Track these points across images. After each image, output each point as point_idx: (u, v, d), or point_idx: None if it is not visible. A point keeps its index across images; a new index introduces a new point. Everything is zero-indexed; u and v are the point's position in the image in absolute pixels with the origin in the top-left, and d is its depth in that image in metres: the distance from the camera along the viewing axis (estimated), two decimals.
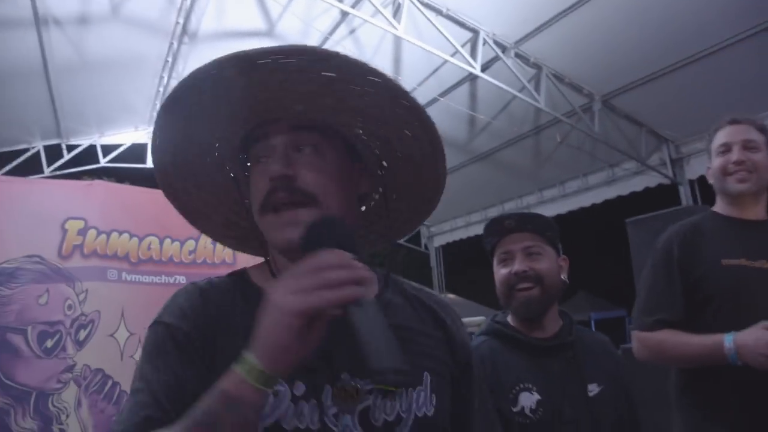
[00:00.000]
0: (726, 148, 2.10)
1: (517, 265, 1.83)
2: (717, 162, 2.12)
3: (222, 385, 0.79)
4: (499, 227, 1.91)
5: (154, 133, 1.02)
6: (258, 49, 0.89)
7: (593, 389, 1.77)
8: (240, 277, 1.09)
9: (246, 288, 1.05)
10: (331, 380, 0.95)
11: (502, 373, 1.76)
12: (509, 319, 1.94)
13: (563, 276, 1.92)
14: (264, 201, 0.97)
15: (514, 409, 1.71)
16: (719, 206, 2.19)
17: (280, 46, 0.89)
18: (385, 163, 1.09)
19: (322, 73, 0.91)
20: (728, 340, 1.77)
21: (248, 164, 1.05)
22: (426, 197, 1.15)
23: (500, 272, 1.88)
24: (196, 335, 0.95)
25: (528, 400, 1.72)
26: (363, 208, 1.18)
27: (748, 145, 2.07)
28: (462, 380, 1.12)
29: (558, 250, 1.94)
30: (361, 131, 1.04)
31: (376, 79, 0.92)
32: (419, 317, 1.11)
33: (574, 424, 1.70)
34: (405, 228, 1.25)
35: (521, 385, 1.74)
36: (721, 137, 2.14)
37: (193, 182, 1.11)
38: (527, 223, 1.88)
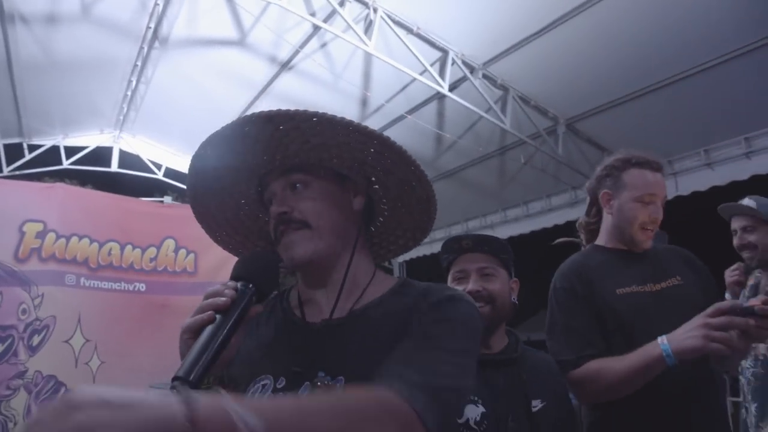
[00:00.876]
0: (651, 200, 2.08)
1: (471, 284, 1.90)
2: (635, 210, 2.08)
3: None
4: (456, 246, 1.99)
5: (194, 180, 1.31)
6: (235, 121, 1.16)
7: (536, 404, 1.80)
8: (288, 291, 1.36)
9: (281, 302, 1.32)
10: (309, 377, 1.11)
11: None
12: None
13: (513, 297, 1.97)
14: (274, 235, 1.22)
15: (459, 421, 1.73)
16: (607, 240, 2.20)
17: (246, 117, 1.14)
18: (374, 179, 1.29)
19: (281, 128, 1.17)
20: (662, 343, 1.73)
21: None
22: (420, 204, 1.33)
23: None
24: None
25: (473, 411, 1.75)
26: (381, 220, 1.39)
27: (663, 202, 2.12)
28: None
29: (510, 272, 1.99)
30: (337, 161, 1.24)
31: (315, 119, 1.14)
32: (404, 310, 1.18)
33: None
34: (406, 244, 1.46)
35: (470, 397, 1.76)
36: (648, 185, 2.09)
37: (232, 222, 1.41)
38: (483, 244, 1.95)
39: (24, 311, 3.55)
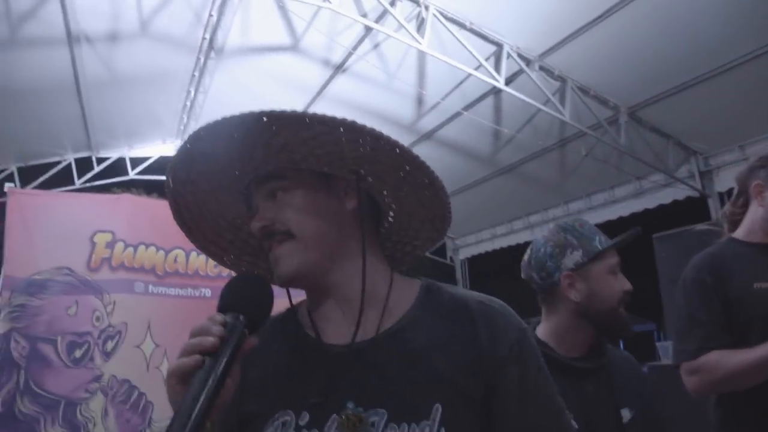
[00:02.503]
0: None
1: (629, 284, 1.72)
2: None
3: None
4: (629, 239, 1.81)
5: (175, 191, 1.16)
6: (188, 138, 1.06)
7: (626, 415, 1.66)
8: (296, 308, 1.17)
9: (290, 321, 1.14)
10: (336, 409, 0.97)
11: None
12: (538, 331, 1.79)
13: None
14: (265, 253, 1.10)
15: None
16: (748, 232, 2.12)
17: (215, 122, 1.01)
18: (363, 172, 1.09)
19: (244, 134, 1.01)
20: None
21: None
22: (424, 190, 1.12)
23: (614, 284, 1.72)
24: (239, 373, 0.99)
25: None
26: (391, 218, 1.19)
27: None
28: (501, 387, 1.02)
29: None
30: (311, 159, 1.06)
31: (274, 118, 0.99)
32: (449, 335, 1.04)
33: None
34: (430, 236, 1.26)
35: None
36: None
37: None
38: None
39: (98, 318, 3.69)
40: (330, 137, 1.01)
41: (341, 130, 1.00)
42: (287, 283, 1.08)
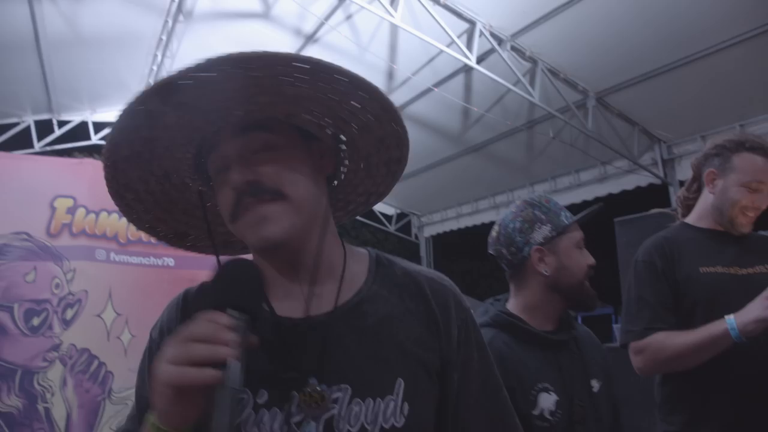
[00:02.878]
0: (758, 188, 2.05)
1: (592, 258, 1.78)
2: (739, 194, 2.05)
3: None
4: (595, 218, 1.86)
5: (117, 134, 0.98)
6: (181, 70, 0.88)
7: (595, 385, 1.72)
8: None
9: None
10: (297, 386, 0.94)
11: (521, 372, 1.63)
12: (508, 307, 1.81)
13: None
14: (233, 211, 0.96)
15: (534, 413, 1.59)
16: (699, 218, 2.19)
17: (201, 62, 0.87)
18: (343, 137, 1.07)
19: (251, 75, 0.90)
20: (727, 318, 1.80)
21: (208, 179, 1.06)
22: (394, 157, 1.12)
23: (580, 259, 1.76)
24: None
25: (547, 401, 1.61)
26: (335, 183, 1.15)
27: None
28: (454, 366, 1.05)
29: None
30: (309, 116, 1.01)
31: (304, 65, 0.91)
32: (406, 309, 1.04)
33: (583, 424, 1.62)
34: (381, 192, 1.22)
35: (539, 385, 1.63)
36: (758, 171, 2.05)
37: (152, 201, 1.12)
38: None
39: (57, 285, 3.61)
40: (344, 96, 0.97)
41: (361, 93, 0.96)
42: (269, 248, 0.98)
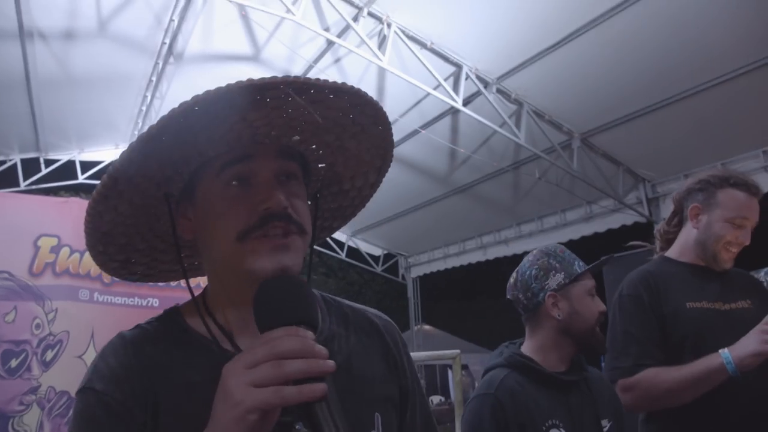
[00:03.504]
0: (742, 224, 2.06)
1: (603, 306, 1.87)
2: (724, 230, 2.06)
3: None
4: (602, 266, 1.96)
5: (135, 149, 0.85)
6: (263, 79, 0.82)
7: (605, 425, 1.79)
8: (172, 319, 0.98)
9: (181, 334, 0.95)
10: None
11: (532, 410, 1.73)
12: (523, 350, 1.92)
13: None
14: (247, 231, 0.88)
15: None
16: (681, 253, 2.19)
17: (276, 78, 0.83)
18: (323, 165, 1.06)
19: (305, 100, 0.88)
20: (722, 352, 1.79)
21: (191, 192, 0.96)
22: (375, 168, 1.10)
23: (591, 305, 1.86)
24: (133, 402, 0.85)
25: None
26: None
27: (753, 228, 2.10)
28: (409, 397, 1.09)
29: None
30: (316, 148, 1.01)
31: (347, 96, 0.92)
32: (363, 347, 1.05)
33: None
34: (357, 206, 1.18)
35: (550, 422, 1.72)
36: (742, 207, 2.07)
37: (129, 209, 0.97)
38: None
39: (38, 326, 3.54)
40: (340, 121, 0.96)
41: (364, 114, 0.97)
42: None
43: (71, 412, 0.93)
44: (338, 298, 1.13)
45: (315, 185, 1.08)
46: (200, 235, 0.96)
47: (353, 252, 10.24)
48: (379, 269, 10.54)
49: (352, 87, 0.91)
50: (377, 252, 10.50)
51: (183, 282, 1.08)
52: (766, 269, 2.65)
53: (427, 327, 13.75)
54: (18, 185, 7.34)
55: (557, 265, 1.89)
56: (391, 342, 1.10)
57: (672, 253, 2.22)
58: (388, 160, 1.09)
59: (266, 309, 0.80)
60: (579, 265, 1.90)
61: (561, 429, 1.71)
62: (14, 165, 7.41)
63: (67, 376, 3.56)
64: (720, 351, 1.79)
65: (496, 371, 1.88)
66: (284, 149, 0.95)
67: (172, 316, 0.99)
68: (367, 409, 0.98)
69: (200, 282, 1.05)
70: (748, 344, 1.76)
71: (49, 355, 3.53)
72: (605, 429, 1.77)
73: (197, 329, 0.95)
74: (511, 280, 2.01)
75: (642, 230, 6.89)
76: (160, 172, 0.92)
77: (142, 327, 0.97)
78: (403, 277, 10.69)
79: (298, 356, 0.71)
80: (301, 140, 0.98)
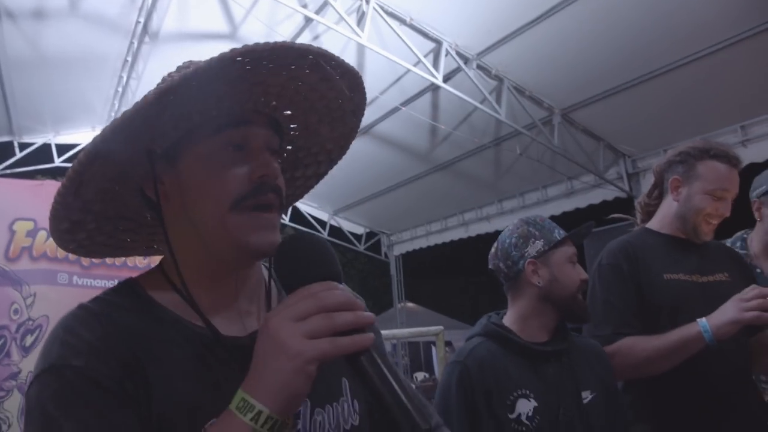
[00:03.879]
0: (722, 196, 2.06)
1: (585, 274, 1.87)
2: (704, 202, 2.06)
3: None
4: (586, 232, 1.96)
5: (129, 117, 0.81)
6: (255, 45, 0.83)
7: (586, 396, 1.78)
8: (133, 291, 0.93)
9: (149, 307, 0.90)
10: None
11: (500, 378, 1.74)
12: (504, 320, 1.92)
13: None
14: (241, 198, 0.87)
15: (511, 416, 1.69)
16: (661, 225, 2.20)
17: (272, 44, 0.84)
18: (289, 147, 1.06)
19: (291, 68, 0.88)
20: (700, 321, 1.81)
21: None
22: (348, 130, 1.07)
23: (572, 273, 1.86)
24: (122, 375, 0.80)
25: (525, 406, 1.70)
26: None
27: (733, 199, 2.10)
28: None
29: None
30: (296, 127, 1.02)
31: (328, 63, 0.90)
32: None
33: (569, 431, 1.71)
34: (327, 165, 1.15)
35: (519, 391, 1.72)
36: (722, 179, 2.06)
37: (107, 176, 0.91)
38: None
39: (16, 311, 3.50)
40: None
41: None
42: (267, 255, 0.90)
43: (29, 399, 0.80)
44: None
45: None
46: (180, 202, 0.90)
47: (335, 231, 10.22)
48: (361, 248, 10.54)
49: (357, 71, 0.93)
50: (359, 230, 10.50)
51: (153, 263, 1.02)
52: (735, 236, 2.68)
53: (410, 304, 13.82)
54: None
55: (537, 232, 1.90)
56: None
57: (653, 224, 2.23)
58: (344, 151, 1.09)
59: (299, 264, 0.81)
60: (559, 233, 1.90)
61: (531, 399, 1.71)
62: None
63: (30, 375, 3.53)
64: (698, 320, 1.81)
65: (471, 340, 1.90)
66: (273, 122, 0.94)
67: (131, 287, 0.93)
68: (334, 376, 0.98)
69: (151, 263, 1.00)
70: (725, 312, 1.77)
71: (29, 340, 3.50)
72: (586, 400, 1.76)
73: (162, 303, 0.91)
74: (492, 249, 2.02)
75: (623, 205, 6.95)
76: (146, 132, 0.87)
77: (103, 298, 0.90)
78: (386, 255, 10.72)
79: (344, 309, 0.74)
80: (290, 116, 0.98)
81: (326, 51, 0.87)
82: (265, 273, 1.04)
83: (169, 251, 0.91)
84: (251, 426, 0.71)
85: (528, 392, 1.72)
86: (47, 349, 0.82)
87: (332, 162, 1.11)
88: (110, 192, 0.94)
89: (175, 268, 0.92)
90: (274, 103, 0.94)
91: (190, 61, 0.93)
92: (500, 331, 1.86)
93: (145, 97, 0.79)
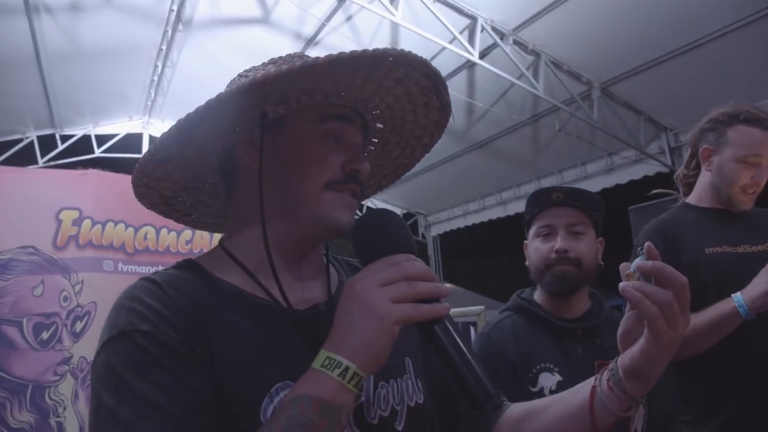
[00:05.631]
0: (756, 161, 1.96)
1: (560, 242, 1.78)
2: (737, 171, 1.97)
3: (310, 391, 0.76)
4: (544, 198, 1.85)
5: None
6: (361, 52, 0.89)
7: None
8: (195, 269, 0.95)
9: (210, 280, 0.93)
10: None
11: (523, 350, 1.72)
12: (536, 296, 1.90)
13: (599, 259, 1.88)
14: (334, 182, 0.95)
15: (533, 389, 1.66)
16: (699, 198, 2.11)
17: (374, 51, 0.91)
18: (380, 125, 1.11)
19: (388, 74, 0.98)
20: (734, 296, 1.74)
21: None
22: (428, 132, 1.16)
23: (539, 246, 1.82)
24: (190, 338, 0.81)
25: (548, 380, 1.68)
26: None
27: None
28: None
29: (598, 230, 1.88)
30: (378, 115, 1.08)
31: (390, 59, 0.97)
32: None
33: None
34: (408, 163, 1.26)
35: (542, 365, 1.70)
36: (755, 144, 1.96)
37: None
38: (575, 199, 1.82)
39: (65, 299, 3.58)
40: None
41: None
42: (344, 233, 0.96)
43: (97, 367, 0.80)
44: (346, 259, 1.18)
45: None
46: (273, 172, 0.95)
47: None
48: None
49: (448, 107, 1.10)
50: (397, 212, 10.47)
51: (206, 248, 1.11)
52: None
53: (448, 285, 13.80)
54: (36, 162, 7.37)
55: (527, 209, 1.92)
56: None
57: (692, 199, 2.15)
58: (408, 168, 1.25)
59: (382, 235, 0.88)
60: (531, 211, 1.89)
61: (555, 373, 1.69)
62: (31, 143, 7.42)
63: (96, 345, 3.61)
64: (732, 295, 1.74)
65: (499, 315, 1.91)
66: (365, 126, 1.05)
67: (190, 263, 0.97)
68: (398, 355, 0.99)
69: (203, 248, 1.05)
70: (758, 284, 1.70)
71: (79, 326, 3.58)
72: None
73: (223, 277, 0.94)
74: None
75: (665, 180, 6.76)
76: (259, 100, 0.94)
77: (164, 271, 0.93)
78: (423, 236, 10.68)
79: (424, 279, 0.81)
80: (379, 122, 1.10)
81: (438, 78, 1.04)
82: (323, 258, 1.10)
83: (261, 214, 0.93)
84: (339, 381, 0.75)
85: (552, 366, 1.70)
86: (113, 318, 0.83)
87: (425, 147, 1.20)
88: (187, 163, 1.01)
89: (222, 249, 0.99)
90: (375, 112, 1.06)
91: (302, 55, 0.99)
92: (526, 305, 1.85)
93: (279, 69, 0.86)
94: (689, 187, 2.21)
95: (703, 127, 2.12)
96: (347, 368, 0.75)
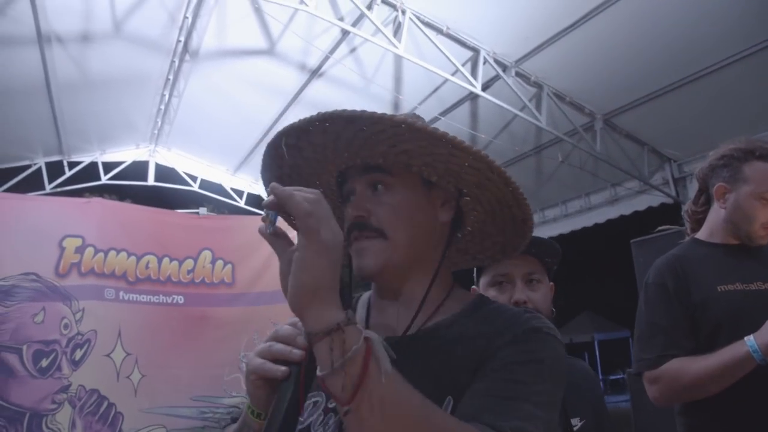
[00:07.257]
0: None
1: (518, 294, 1.70)
2: (755, 209, 1.93)
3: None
4: None
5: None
6: (314, 117, 1.02)
7: (576, 423, 1.67)
8: (357, 299, 1.24)
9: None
10: None
11: None
12: None
13: (551, 304, 1.80)
14: (347, 237, 1.07)
15: None
16: (711, 233, 2.07)
17: (327, 114, 1.01)
18: (465, 191, 1.14)
19: (364, 129, 1.03)
20: (747, 339, 1.68)
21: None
22: (515, 224, 1.18)
23: (496, 297, 1.72)
24: None
25: None
26: (465, 232, 1.22)
27: None
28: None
29: (551, 276, 1.83)
30: (424, 168, 1.10)
31: (410, 128, 1.01)
32: (478, 332, 1.03)
33: None
34: (494, 256, 1.29)
35: None
36: None
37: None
38: (531, 246, 1.77)
39: (66, 326, 3.58)
40: (456, 158, 1.06)
41: (471, 158, 1.06)
42: (366, 277, 1.08)
43: (101, 408, 0.95)
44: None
45: (451, 208, 1.16)
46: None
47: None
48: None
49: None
50: None
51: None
52: None
53: None
54: (44, 188, 7.44)
55: None
56: (494, 334, 1.02)
57: (702, 234, 2.10)
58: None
59: None
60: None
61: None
62: (39, 169, 7.50)
63: (96, 374, 3.59)
64: (745, 338, 1.69)
65: None
66: (377, 165, 1.11)
67: (357, 297, 1.24)
68: (440, 393, 0.97)
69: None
70: None
71: (78, 354, 3.57)
72: (576, 427, 1.68)
73: (358, 310, 1.20)
74: None
75: (669, 211, 6.75)
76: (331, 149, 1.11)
77: None
78: None
79: (286, 342, 0.93)
80: (405, 161, 1.12)
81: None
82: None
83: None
84: (248, 408, 0.98)
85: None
86: None
87: (519, 203, 1.18)
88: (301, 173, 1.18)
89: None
90: (362, 155, 1.11)
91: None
92: None
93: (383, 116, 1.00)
94: (698, 223, 2.16)
95: (713, 164, 2.07)
96: (248, 403, 0.99)
